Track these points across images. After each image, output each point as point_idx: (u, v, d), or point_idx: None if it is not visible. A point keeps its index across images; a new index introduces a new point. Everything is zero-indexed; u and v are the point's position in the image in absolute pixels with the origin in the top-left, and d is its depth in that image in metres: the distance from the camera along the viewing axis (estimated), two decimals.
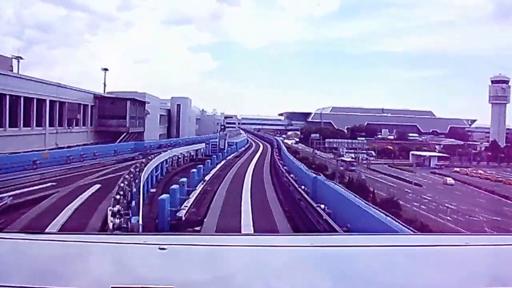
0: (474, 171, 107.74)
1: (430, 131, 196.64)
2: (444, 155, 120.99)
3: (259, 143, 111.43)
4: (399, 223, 15.15)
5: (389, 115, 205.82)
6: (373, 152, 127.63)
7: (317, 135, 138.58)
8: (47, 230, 13.44)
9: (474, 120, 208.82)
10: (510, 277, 2.12)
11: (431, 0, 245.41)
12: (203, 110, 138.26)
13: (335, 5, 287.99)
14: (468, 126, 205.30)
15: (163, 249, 2.15)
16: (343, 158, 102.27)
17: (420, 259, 2.31)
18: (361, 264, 2.22)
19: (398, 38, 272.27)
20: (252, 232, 21.60)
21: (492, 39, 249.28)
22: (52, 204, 27.89)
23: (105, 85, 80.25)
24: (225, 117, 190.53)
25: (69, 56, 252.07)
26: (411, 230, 14.56)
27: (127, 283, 1.73)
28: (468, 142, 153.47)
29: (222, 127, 79.95)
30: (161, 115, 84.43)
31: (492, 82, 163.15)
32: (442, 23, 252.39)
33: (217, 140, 63.30)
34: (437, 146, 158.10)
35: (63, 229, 18.83)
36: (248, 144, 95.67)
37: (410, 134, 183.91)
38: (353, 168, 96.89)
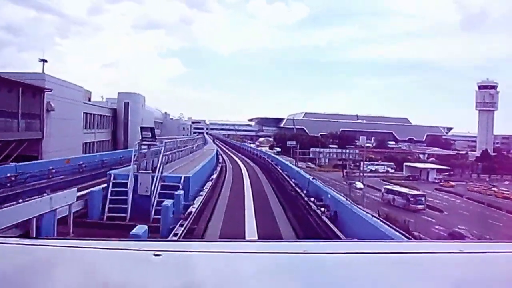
0: (484, 187, 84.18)
1: (407, 138, 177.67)
2: (443, 167, 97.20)
3: (237, 160, 75.14)
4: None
5: (364, 121, 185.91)
6: (393, 164, 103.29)
7: (294, 142, 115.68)
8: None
9: (451, 128, 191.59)
10: (504, 285, 2.04)
11: (400, 10, 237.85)
12: (166, 112, 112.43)
13: (306, 13, 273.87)
14: (444, 133, 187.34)
15: (158, 255, 2.03)
16: (393, 188, 67.38)
17: (415, 266, 2.18)
18: (356, 271, 2.11)
19: (369, 47, 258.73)
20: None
21: (461, 49, 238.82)
22: None
23: None
24: (193, 122, 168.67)
25: (37, 58, 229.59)
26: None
27: None
28: (459, 152, 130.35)
29: (146, 137, 22.52)
30: (103, 116, 58.46)
31: (479, 87, 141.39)
32: (412, 33, 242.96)
33: (130, 173, 21.15)
34: (421, 155, 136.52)
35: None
36: (219, 168, 46.55)
37: (389, 142, 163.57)
38: (420, 206, 58.89)
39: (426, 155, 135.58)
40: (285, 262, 2.15)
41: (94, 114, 54.09)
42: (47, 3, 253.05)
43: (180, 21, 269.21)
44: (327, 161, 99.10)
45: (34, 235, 13.18)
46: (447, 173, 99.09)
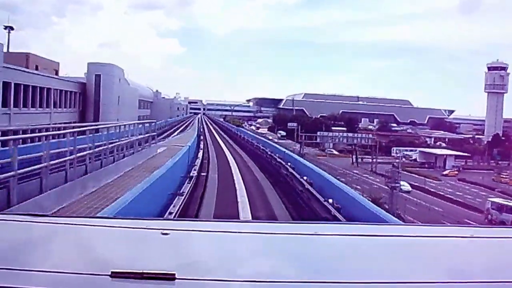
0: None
1: (408, 121, 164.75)
2: (461, 153, 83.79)
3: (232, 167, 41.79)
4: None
5: (365, 103, 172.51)
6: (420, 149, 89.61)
7: (295, 124, 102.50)
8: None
9: (452, 111, 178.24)
10: None
11: None
12: (157, 91, 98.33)
13: None
14: (446, 116, 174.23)
15: (166, 234, 1.96)
16: (508, 203, 42.75)
17: (425, 250, 2.10)
18: (368, 254, 2.03)
19: (368, 29, 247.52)
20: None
21: (459, 32, 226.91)
22: None
23: (8, 47, 45.54)
24: (189, 102, 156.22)
25: (35, 38, 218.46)
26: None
27: (128, 268, 1.59)
28: (474, 136, 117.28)
29: None
30: (67, 92, 44.46)
31: (489, 69, 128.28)
32: (408, 15, 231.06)
33: None
34: (427, 139, 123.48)
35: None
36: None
37: (392, 125, 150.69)
38: None
39: (432, 139, 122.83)
40: (295, 243, 2.09)
41: (47, 89, 39.83)
42: None
43: (178, 1, 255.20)
44: (331, 145, 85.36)
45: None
46: (464, 160, 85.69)
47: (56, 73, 49.80)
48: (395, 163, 49.96)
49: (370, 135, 79.68)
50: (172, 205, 16.94)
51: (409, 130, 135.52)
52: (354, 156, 76.94)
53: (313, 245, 2.06)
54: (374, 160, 74.57)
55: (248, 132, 66.63)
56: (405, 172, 74.13)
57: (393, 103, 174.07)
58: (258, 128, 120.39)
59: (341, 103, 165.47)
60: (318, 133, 79.26)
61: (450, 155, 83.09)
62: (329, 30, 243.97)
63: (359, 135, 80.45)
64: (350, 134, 79.81)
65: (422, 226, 4.84)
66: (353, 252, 2.00)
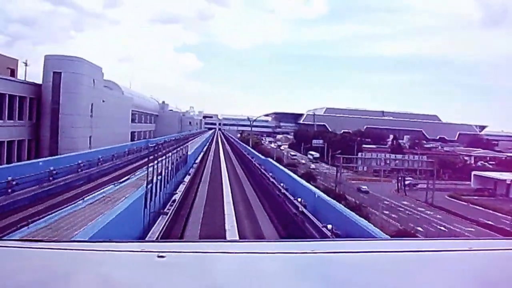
0: None
1: (437, 137, 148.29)
2: None
3: None
4: None
5: (391, 118, 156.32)
6: None
7: (320, 141, 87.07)
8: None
9: (484, 126, 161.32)
10: None
11: (420, 6, 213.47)
12: (163, 102, 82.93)
13: (324, 8, 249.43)
14: (478, 132, 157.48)
15: (162, 257, 1.87)
16: None
17: (424, 264, 2.04)
18: (363, 270, 1.97)
19: (386, 42, 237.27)
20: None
21: (484, 45, 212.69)
22: None
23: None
24: (204, 116, 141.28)
25: (54, 52, 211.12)
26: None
27: None
28: None
29: None
30: (14, 97, 28.90)
31: None
32: (431, 29, 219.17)
33: None
34: (466, 158, 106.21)
35: None
36: None
37: (424, 142, 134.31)
38: None
39: (472, 158, 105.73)
40: (294, 262, 2.01)
41: None
42: None
43: (197, 16, 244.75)
44: (365, 168, 68.99)
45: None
46: None
47: (12, 73, 34.60)
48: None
49: (424, 157, 62.31)
50: None
51: (446, 148, 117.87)
52: (400, 183, 60.20)
53: (312, 263, 1.97)
54: (420, 185, 58.14)
55: (281, 168, 29.06)
56: (463, 203, 57.58)
57: (421, 118, 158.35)
58: (279, 146, 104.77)
59: (364, 118, 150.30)
60: (359, 154, 62.64)
61: None
62: (349, 44, 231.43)
63: (411, 157, 63.16)
64: (399, 156, 62.73)
65: (421, 240, 4.98)
66: (352, 269, 1.93)
